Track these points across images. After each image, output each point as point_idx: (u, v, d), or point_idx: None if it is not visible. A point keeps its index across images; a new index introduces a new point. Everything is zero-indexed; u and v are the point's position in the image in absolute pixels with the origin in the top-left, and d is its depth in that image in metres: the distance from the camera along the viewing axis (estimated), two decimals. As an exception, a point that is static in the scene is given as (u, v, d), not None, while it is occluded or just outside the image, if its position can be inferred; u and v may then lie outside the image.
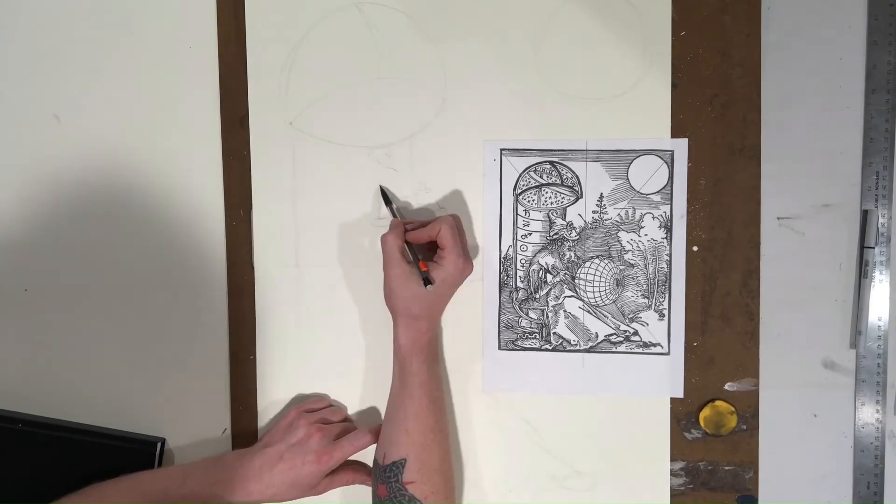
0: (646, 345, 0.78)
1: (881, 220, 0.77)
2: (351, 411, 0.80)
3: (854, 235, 0.77)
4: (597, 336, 0.78)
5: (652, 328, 0.77)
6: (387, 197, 0.78)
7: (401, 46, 0.78)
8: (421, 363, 0.73)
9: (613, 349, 0.78)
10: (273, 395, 0.80)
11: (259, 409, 0.80)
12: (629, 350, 0.78)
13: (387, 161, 0.78)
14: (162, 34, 0.79)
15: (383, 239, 0.74)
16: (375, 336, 0.79)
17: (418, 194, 0.78)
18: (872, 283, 0.77)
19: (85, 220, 0.80)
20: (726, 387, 0.78)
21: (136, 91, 0.80)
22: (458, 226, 0.76)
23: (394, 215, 0.77)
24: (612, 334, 0.78)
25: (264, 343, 0.80)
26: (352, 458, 0.76)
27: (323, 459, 0.73)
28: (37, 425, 0.78)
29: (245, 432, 0.80)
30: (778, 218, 0.78)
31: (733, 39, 0.76)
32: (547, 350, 0.78)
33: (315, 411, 0.78)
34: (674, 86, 0.77)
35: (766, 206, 0.77)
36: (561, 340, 0.78)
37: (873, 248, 0.76)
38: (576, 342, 0.78)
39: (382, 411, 0.79)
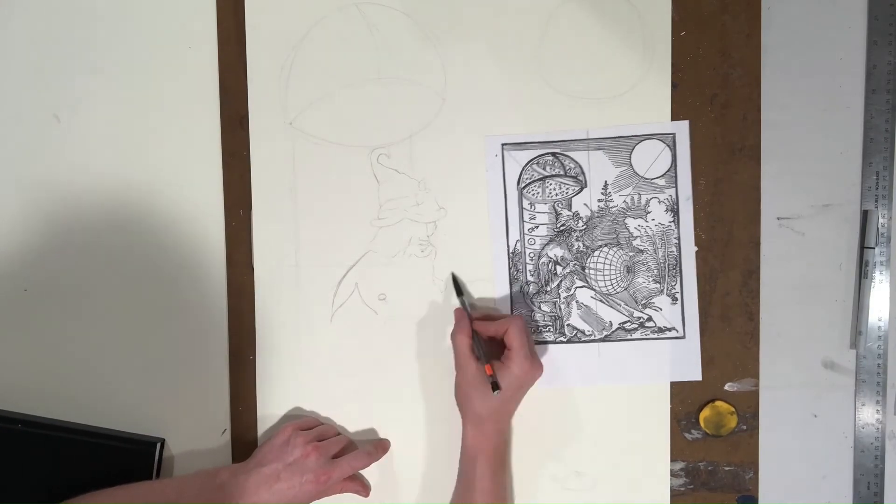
0: (660, 330, 0.77)
1: (881, 220, 0.76)
2: (351, 412, 0.80)
3: (854, 235, 0.77)
4: (611, 325, 0.78)
5: (665, 313, 0.77)
6: (458, 287, 0.77)
7: (401, 46, 0.78)
8: (485, 468, 0.72)
9: (628, 337, 0.78)
10: (273, 395, 0.80)
11: (259, 409, 0.80)
12: (644, 336, 0.78)
13: (387, 161, 0.78)
14: (162, 34, 0.79)
15: (453, 337, 0.74)
16: (376, 336, 0.79)
17: (418, 194, 0.78)
18: (872, 284, 0.77)
19: (84, 220, 0.80)
20: (726, 387, 0.77)
21: (136, 91, 0.80)
22: (525, 327, 0.74)
23: (463, 306, 0.75)
24: (626, 322, 0.78)
25: (264, 343, 0.80)
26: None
27: (321, 479, 0.73)
28: (37, 425, 0.78)
29: (245, 433, 0.80)
30: (778, 218, 0.77)
31: (733, 39, 0.76)
32: (562, 342, 0.78)
33: (309, 429, 0.77)
34: (674, 86, 0.77)
35: (766, 206, 0.77)
36: (575, 332, 0.78)
37: (873, 248, 0.76)
38: (590, 332, 0.78)
39: (382, 410, 0.79)
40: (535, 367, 0.72)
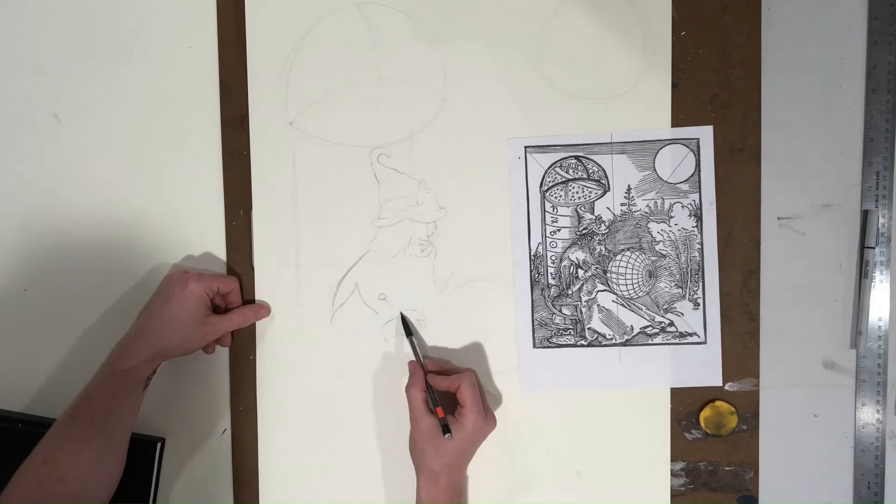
0: (682, 335, 0.77)
1: (881, 220, 0.76)
2: (352, 411, 0.80)
3: (854, 235, 0.77)
4: (632, 329, 0.78)
5: (687, 318, 0.77)
6: (408, 328, 0.77)
7: (401, 46, 0.78)
8: None
9: (649, 341, 0.78)
10: (273, 395, 0.80)
11: (259, 409, 0.80)
12: (665, 341, 0.77)
13: (387, 161, 0.78)
14: (162, 34, 0.79)
15: (408, 391, 0.74)
16: (376, 336, 0.79)
17: (418, 194, 0.78)
18: (873, 284, 0.77)
19: (84, 220, 0.80)
20: (727, 387, 0.77)
21: (136, 91, 0.80)
22: (476, 382, 0.74)
23: (413, 348, 0.76)
24: (647, 326, 0.78)
25: (264, 343, 0.80)
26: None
27: (192, 277, 0.73)
28: (37, 425, 0.78)
29: (245, 432, 0.80)
30: (778, 218, 0.77)
31: (733, 39, 0.76)
32: (582, 346, 0.78)
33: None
34: (674, 86, 0.77)
35: (766, 206, 0.77)
36: (596, 335, 0.78)
37: (873, 248, 0.76)
38: (611, 336, 0.78)
39: (382, 410, 0.79)
40: (488, 423, 0.73)
